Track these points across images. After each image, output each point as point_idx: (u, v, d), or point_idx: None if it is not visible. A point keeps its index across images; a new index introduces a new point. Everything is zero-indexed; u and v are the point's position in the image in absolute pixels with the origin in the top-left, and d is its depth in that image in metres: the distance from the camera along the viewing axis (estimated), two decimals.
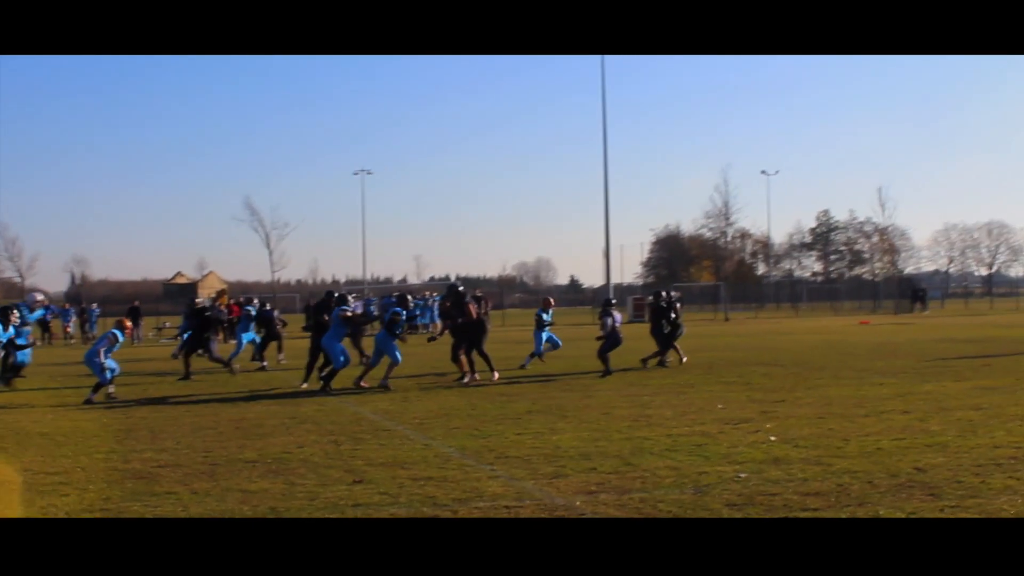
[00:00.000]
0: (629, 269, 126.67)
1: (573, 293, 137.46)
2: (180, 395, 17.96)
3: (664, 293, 23.46)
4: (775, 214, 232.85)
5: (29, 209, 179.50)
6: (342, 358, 18.17)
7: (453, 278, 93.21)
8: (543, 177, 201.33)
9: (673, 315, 22.59)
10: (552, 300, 24.91)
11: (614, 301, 23.07)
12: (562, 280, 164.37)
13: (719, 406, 14.45)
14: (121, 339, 17.98)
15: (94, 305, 47.10)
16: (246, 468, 10.11)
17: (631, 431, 12.14)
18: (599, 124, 64.42)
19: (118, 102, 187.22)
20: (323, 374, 18.33)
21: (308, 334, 20.16)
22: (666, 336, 22.42)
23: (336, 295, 19.74)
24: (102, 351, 17.37)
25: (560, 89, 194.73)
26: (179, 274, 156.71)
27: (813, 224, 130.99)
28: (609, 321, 20.73)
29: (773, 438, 11.32)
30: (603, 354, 20.42)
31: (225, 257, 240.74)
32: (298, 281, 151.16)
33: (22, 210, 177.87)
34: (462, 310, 19.52)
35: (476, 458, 10.42)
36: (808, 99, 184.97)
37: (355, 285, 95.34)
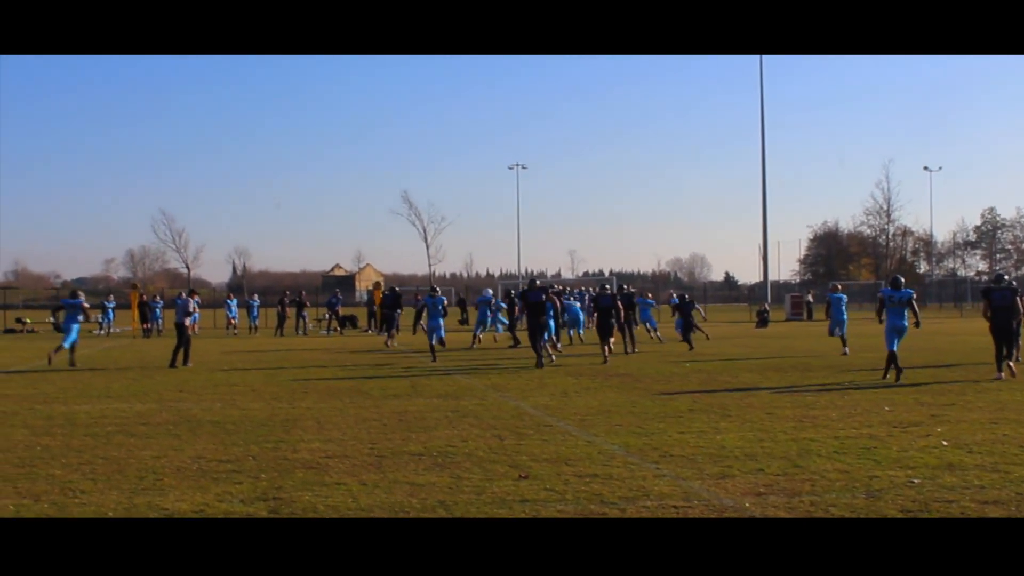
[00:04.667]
0: (786, 266, 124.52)
1: (728, 290, 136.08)
2: (347, 386, 18.32)
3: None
4: (938, 211, 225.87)
5: (195, 201, 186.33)
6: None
7: (607, 273, 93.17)
8: (699, 172, 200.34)
9: None
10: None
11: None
12: (717, 276, 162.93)
13: (886, 408, 14.09)
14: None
15: (254, 296, 48.57)
16: (412, 461, 10.24)
17: (796, 432, 11.94)
18: (757, 120, 63.78)
19: (281, 95, 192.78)
20: None
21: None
22: None
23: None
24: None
25: (718, 84, 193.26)
26: (337, 266, 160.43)
27: (978, 222, 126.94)
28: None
29: (945, 443, 10.98)
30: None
31: (382, 250, 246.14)
32: (452, 275, 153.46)
33: (188, 202, 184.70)
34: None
35: (640, 456, 10.37)
36: (972, 94, 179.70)
37: (510, 280, 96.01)
